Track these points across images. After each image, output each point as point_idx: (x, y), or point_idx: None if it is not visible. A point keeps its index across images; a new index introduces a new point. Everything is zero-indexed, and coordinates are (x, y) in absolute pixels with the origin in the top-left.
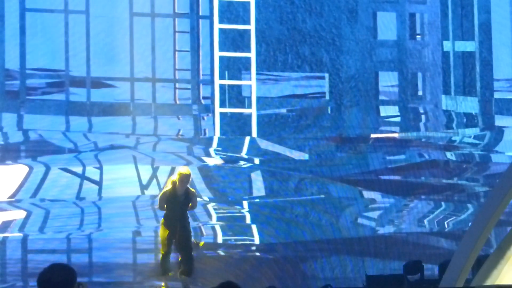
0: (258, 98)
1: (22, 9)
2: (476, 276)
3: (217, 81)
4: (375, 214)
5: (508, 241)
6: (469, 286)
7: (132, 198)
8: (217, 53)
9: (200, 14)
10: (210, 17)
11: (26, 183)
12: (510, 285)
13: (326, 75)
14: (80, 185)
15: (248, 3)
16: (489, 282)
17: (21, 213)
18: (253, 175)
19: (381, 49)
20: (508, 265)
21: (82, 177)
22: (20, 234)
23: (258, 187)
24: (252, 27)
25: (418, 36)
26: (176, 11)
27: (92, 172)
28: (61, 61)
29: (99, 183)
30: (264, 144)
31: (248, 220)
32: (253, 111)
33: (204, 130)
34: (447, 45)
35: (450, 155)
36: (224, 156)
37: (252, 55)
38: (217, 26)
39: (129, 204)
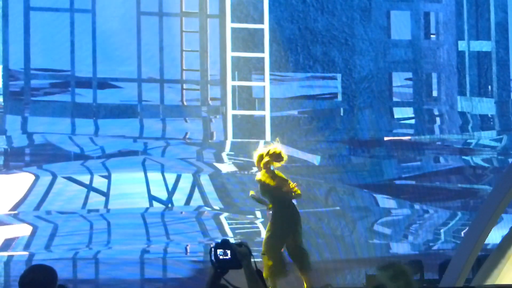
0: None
1: (26, 8)
2: (476, 275)
3: (229, 82)
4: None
5: (508, 241)
6: (469, 286)
7: (141, 210)
8: (229, 53)
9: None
10: (221, 16)
11: (31, 193)
12: (510, 285)
13: (339, 75)
14: (87, 197)
15: (261, 1)
16: (489, 281)
17: (26, 228)
18: None
19: (395, 49)
20: (508, 265)
21: (89, 188)
22: (26, 253)
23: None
24: (265, 26)
25: (432, 36)
26: (184, 10)
27: (99, 181)
28: (67, 61)
29: (106, 194)
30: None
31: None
32: (266, 113)
33: (212, 133)
34: (462, 45)
35: (466, 159)
36: (240, 162)
37: (266, 55)
38: (229, 25)
39: (137, 217)
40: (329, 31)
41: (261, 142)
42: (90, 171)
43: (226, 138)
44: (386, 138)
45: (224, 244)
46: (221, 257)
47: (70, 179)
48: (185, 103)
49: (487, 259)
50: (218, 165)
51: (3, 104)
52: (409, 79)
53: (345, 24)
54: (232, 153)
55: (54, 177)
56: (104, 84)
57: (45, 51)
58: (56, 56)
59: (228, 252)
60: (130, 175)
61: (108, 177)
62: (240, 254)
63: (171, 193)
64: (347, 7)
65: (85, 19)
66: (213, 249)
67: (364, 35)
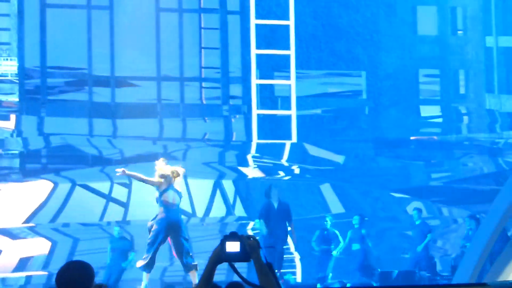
0: (290, 98)
1: (42, 5)
2: (489, 272)
3: (254, 81)
4: None
5: None
6: (482, 282)
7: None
8: (254, 51)
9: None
10: (242, 12)
11: (47, 203)
12: None
13: (363, 73)
14: (105, 208)
15: None
16: (501, 278)
17: (43, 243)
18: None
19: (421, 45)
20: None
21: (109, 198)
22: (45, 273)
23: (334, 202)
24: (291, 22)
25: (459, 32)
26: (202, 6)
27: (118, 189)
28: (83, 59)
29: (126, 204)
30: (312, 150)
31: None
32: (292, 112)
33: (233, 133)
34: (490, 41)
35: (494, 160)
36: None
37: (292, 52)
38: (253, 22)
39: None
40: (354, 27)
41: (288, 143)
42: (110, 178)
43: (250, 139)
44: (412, 137)
45: (234, 237)
46: (230, 250)
47: (88, 188)
48: (204, 102)
49: (500, 255)
50: (242, 169)
51: (18, 103)
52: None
53: (369, 20)
54: (258, 155)
55: (73, 185)
56: (122, 82)
57: (62, 49)
58: (73, 54)
59: (238, 245)
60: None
61: (129, 186)
62: (249, 247)
63: (193, 201)
64: (372, 3)
65: (103, 16)
66: (222, 242)
67: (389, 31)
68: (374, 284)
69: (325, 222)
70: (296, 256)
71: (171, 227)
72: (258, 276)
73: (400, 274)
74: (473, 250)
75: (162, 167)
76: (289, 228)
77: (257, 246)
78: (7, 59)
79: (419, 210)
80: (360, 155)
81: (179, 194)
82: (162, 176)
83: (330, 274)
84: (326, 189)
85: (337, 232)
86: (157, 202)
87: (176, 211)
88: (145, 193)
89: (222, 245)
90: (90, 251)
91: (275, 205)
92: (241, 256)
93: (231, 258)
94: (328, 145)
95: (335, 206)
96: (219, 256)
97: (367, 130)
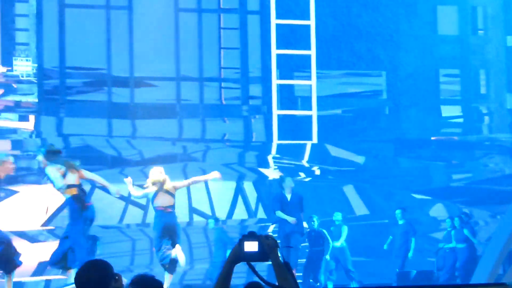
0: (310, 98)
1: (61, 5)
2: (507, 271)
3: (275, 81)
4: None
5: None
6: (500, 282)
7: (182, 224)
8: (274, 51)
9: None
10: (261, 12)
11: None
12: None
13: (383, 73)
14: (125, 210)
15: None
16: None
17: None
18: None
19: (442, 45)
20: None
21: (128, 200)
22: (65, 277)
23: (358, 204)
24: (311, 22)
25: (480, 32)
26: (222, 6)
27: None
28: (102, 60)
29: (145, 207)
30: (333, 151)
31: None
32: (313, 113)
33: (252, 134)
34: (510, 40)
35: None
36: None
37: (312, 52)
38: (274, 21)
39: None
40: (374, 27)
41: (308, 143)
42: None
43: (270, 140)
44: (432, 138)
45: (252, 237)
46: (249, 250)
47: (107, 190)
48: (224, 102)
49: None
50: (262, 170)
51: (37, 104)
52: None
53: (390, 20)
54: (278, 155)
55: (92, 187)
56: (141, 82)
57: (80, 49)
58: (92, 55)
59: (256, 245)
60: None
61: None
62: (267, 246)
63: (212, 203)
64: (392, 2)
65: (122, 16)
66: (240, 242)
67: (409, 31)
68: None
69: (312, 223)
70: None
71: (168, 231)
72: (276, 276)
73: (418, 274)
74: (491, 250)
75: (153, 173)
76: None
77: (275, 245)
78: (25, 60)
79: (403, 210)
80: (380, 155)
81: (172, 196)
82: (153, 183)
83: (322, 276)
84: (350, 191)
85: (325, 231)
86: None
87: (171, 214)
88: None
89: (240, 244)
90: (110, 254)
91: (288, 197)
92: (259, 256)
93: (249, 258)
94: (348, 145)
95: (359, 207)
96: (237, 255)
97: (387, 130)
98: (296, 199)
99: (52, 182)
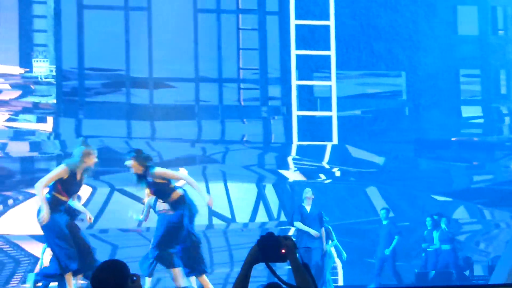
0: (329, 98)
1: (79, 6)
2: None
3: (294, 82)
4: None
5: None
6: None
7: (201, 228)
8: (294, 51)
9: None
10: (280, 13)
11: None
12: None
13: (403, 73)
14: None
15: None
16: None
17: None
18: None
19: (462, 45)
20: None
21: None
22: (84, 282)
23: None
24: (331, 23)
25: (500, 32)
26: (240, 7)
27: None
28: (121, 61)
29: None
30: (354, 152)
31: None
32: (333, 113)
33: (272, 135)
34: None
35: None
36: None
37: (332, 53)
38: (293, 22)
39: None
40: (393, 27)
41: (329, 144)
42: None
43: (289, 141)
44: (453, 139)
45: (270, 238)
46: (268, 251)
47: (126, 193)
48: (242, 103)
49: None
50: (282, 171)
51: (55, 105)
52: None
53: (409, 20)
54: (298, 157)
55: (111, 189)
56: (159, 84)
57: (99, 50)
58: (110, 56)
59: (275, 245)
60: (187, 187)
61: None
62: (286, 247)
63: (232, 206)
64: (411, 2)
65: (140, 17)
66: (259, 243)
67: (429, 31)
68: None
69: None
70: None
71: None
72: (295, 277)
73: (437, 274)
74: (510, 250)
75: None
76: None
77: (293, 246)
78: (43, 61)
79: (386, 210)
80: (400, 156)
81: None
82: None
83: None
84: (373, 193)
85: (330, 227)
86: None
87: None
88: None
89: (258, 245)
90: (129, 258)
91: (308, 208)
92: (277, 257)
93: (268, 259)
94: (367, 146)
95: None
96: (256, 256)
97: (407, 131)
98: (316, 212)
99: (160, 192)
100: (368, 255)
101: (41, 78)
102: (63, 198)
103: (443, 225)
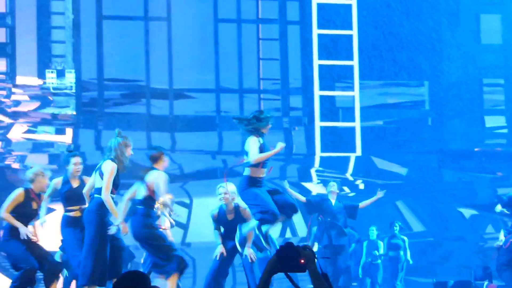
0: (352, 109)
1: (99, 16)
2: None
3: (317, 92)
4: None
5: None
6: None
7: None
8: (316, 61)
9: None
10: (301, 22)
11: None
12: None
13: (426, 83)
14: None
15: (342, 6)
16: None
17: None
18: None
19: (485, 54)
20: None
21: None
22: None
23: (412, 219)
24: (354, 32)
25: None
26: (260, 16)
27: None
28: (141, 72)
29: (185, 226)
30: (379, 163)
31: None
32: (356, 124)
33: (293, 146)
34: None
35: None
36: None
37: (355, 63)
38: (315, 31)
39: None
40: (415, 36)
41: (352, 156)
42: None
43: (310, 152)
44: (476, 149)
45: (289, 248)
46: (287, 261)
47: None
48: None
49: None
50: (305, 184)
51: (74, 117)
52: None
53: (432, 29)
54: (321, 169)
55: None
56: (180, 94)
57: (118, 61)
58: (130, 66)
59: (294, 255)
60: (210, 201)
61: (189, 206)
62: (305, 257)
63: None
64: (433, 11)
65: (160, 27)
66: (278, 253)
67: (452, 40)
68: None
69: (371, 233)
70: None
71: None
72: (314, 287)
73: (456, 284)
74: None
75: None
76: None
77: (313, 256)
78: (51, 72)
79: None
80: (423, 167)
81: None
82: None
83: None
84: (403, 205)
85: (381, 242)
86: None
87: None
88: (206, 214)
89: (277, 255)
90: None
91: (332, 201)
92: (297, 267)
93: (287, 269)
94: (391, 157)
95: (414, 223)
96: (275, 266)
97: (430, 141)
98: (341, 206)
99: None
100: (409, 272)
101: (54, 89)
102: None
103: (396, 231)
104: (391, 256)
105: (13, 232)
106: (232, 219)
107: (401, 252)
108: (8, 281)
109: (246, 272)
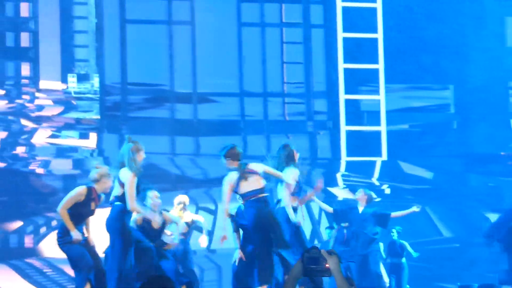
0: (377, 113)
1: (122, 20)
2: None
3: (342, 96)
4: None
5: None
6: None
7: None
8: (341, 65)
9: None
10: (326, 26)
11: None
12: None
13: (451, 86)
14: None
15: (367, 10)
16: None
17: None
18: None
19: (511, 57)
20: None
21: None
22: None
23: (442, 225)
24: (379, 35)
25: None
26: (284, 20)
27: (203, 215)
28: (165, 76)
29: (210, 232)
30: (406, 168)
31: None
32: (382, 128)
33: (317, 150)
34: None
35: None
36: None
37: (380, 66)
38: (340, 35)
39: None
40: (440, 40)
41: (378, 160)
42: (194, 202)
43: (335, 156)
44: (502, 153)
45: (315, 252)
46: (312, 266)
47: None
48: (287, 118)
49: None
50: (331, 189)
51: (98, 121)
52: None
53: (457, 32)
54: (347, 173)
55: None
56: (204, 98)
57: (142, 65)
58: (154, 70)
59: (319, 260)
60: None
61: (214, 212)
62: (331, 262)
63: None
64: (458, 14)
65: (184, 31)
66: (303, 257)
67: (477, 43)
68: None
69: (392, 234)
70: None
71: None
72: None
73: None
74: None
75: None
76: None
77: (337, 260)
78: (72, 76)
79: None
80: (449, 171)
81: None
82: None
83: None
84: (433, 211)
85: (406, 243)
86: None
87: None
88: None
89: (302, 260)
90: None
91: (360, 209)
92: (321, 271)
93: (312, 273)
94: (415, 161)
95: (442, 229)
96: (300, 271)
97: (455, 145)
98: (369, 212)
99: None
100: (436, 278)
101: (75, 94)
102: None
103: (395, 237)
104: (392, 263)
105: (67, 230)
106: None
107: (403, 260)
108: None
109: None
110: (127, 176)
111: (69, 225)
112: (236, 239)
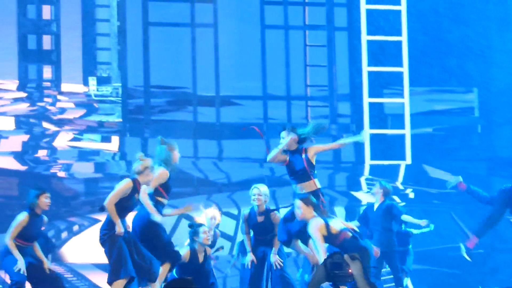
0: (401, 116)
1: (145, 23)
2: None
3: (366, 99)
4: None
5: None
6: None
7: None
8: (365, 68)
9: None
10: (349, 29)
11: None
12: None
13: (475, 89)
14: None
15: (391, 12)
16: None
17: None
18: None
19: None
20: None
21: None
22: None
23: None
24: (403, 38)
25: None
26: (307, 23)
27: (225, 220)
28: (188, 79)
29: (232, 238)
30: (432, 172)
31: None
32: (406, 132)
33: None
34: None
35: None
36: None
37: (405, 69)
38: (364, 37)
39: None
40: (465, 43)
41: (402, 164)
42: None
43: (359, 160)
44: None
45: (338, 258)
46: (335, 271)
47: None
48: (310, 121)
49: None
50: (355, 193)
51: (120, 124)
52: None
53: (481, 35)
54: (371, 177)
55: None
56: (226, 101)
57: (164, 68)
58: (176, 73)
59: (342, 265)
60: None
61: (236, 217)
62: (353, 267)
63: None
64: (483, 17)
65: (207, 34)
66: (326, 263)
67: (502, 46)
68: None
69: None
70: None
71: None
72: None
73: None
74: None
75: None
76: None
77: (360, 266)
78: (93, 79)
79: None
80: (473, 175)
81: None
82: None
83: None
84: (459, 216)
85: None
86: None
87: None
88: None
89: (325, 265)
90: None
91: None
92: (346, 276)
93: (335, 278)
94: (439, 165)
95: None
96: (323, 276)
97: (479, 149)
98: (383, 207)
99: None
100: (460, 284)
101: (95, 96)
102: None
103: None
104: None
105: (112, 224)
106: (262, 221)
107: (409, 246)
108: None
109: (272, 277)
110: (158, 172)
111: (116, 219)
112: (247, 242)
